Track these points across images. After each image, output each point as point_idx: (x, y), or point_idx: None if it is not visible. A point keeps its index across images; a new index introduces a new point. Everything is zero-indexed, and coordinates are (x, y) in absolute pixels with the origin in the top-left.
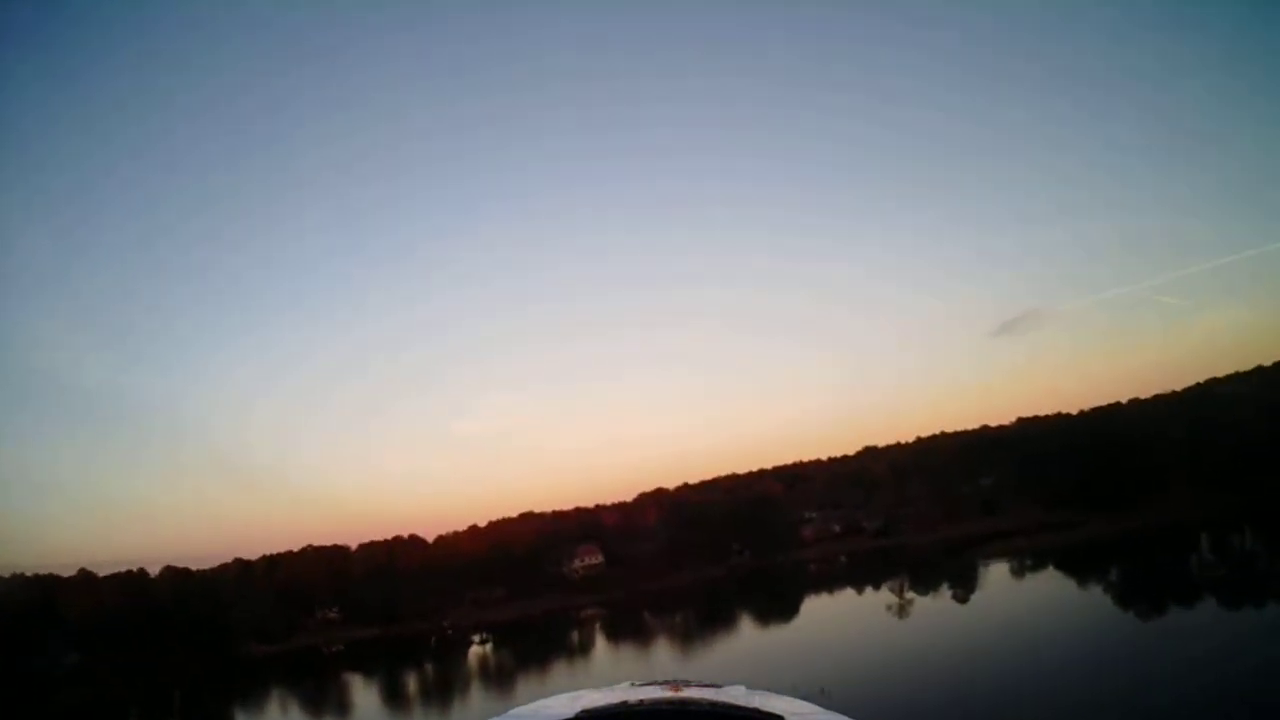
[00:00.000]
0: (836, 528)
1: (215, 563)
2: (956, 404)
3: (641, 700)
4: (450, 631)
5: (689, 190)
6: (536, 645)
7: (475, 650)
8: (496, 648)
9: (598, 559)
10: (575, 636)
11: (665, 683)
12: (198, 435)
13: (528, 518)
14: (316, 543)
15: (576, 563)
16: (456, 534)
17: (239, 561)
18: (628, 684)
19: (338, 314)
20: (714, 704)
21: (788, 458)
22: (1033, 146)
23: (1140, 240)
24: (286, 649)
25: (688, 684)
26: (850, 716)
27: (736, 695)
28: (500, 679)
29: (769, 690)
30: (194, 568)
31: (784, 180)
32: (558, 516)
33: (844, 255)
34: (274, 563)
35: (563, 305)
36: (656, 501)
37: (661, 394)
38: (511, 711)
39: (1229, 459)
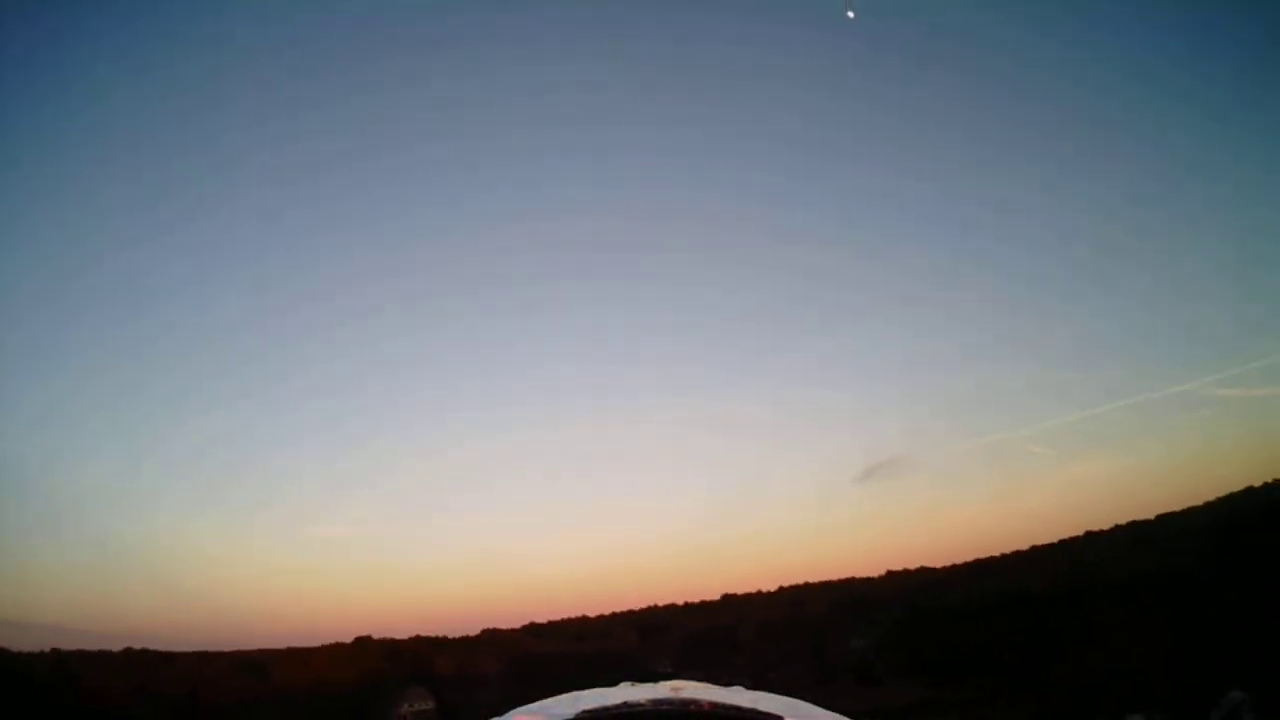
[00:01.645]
0: None
1: None
2: (821, 551)
3: (642, 700)
4: None
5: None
6: None
7: None
8: None
9: (429, 705)
10: None
11: (666, 683)
12: None
13: (363, 646)
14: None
15: (405, 707)
16: (299, 652)
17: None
18: (628, 684)
19: None
20: (714, 704)
21: (644, 600)
22: (893, 300)
23: (1011, 389)
24: None
25: (688, 685)
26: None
27: (737, 695)
28: None
29: (769, 691)
30: None
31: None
32: (394, 648)
33: (708, 388)
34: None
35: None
36: (496, 643)
37: (515, 517)
38: (512, 712)
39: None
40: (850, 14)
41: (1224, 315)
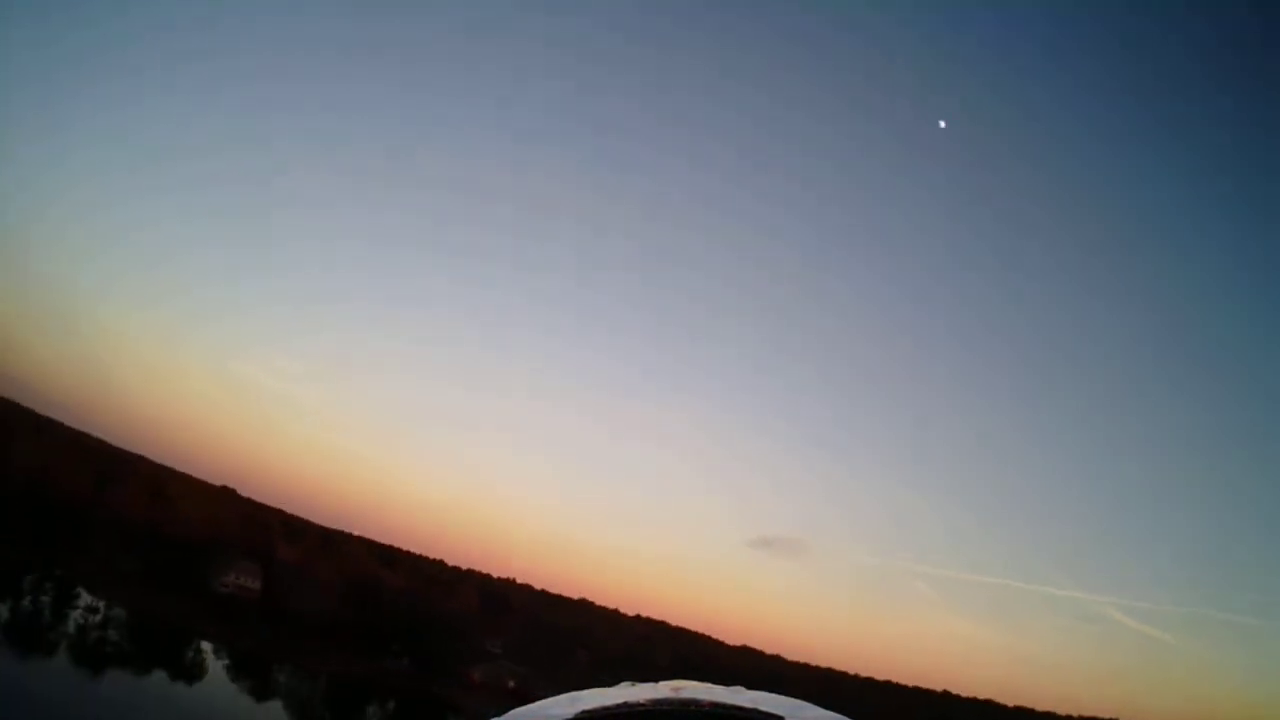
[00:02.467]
0: (511, 683)
1: None
2: (689, 596)
3: (642, 700)
4: None
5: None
6: None
7: None
8: None
9: (254, 585)
10: None
11: (666, 683)
12: None
13: (225, 496)
14: None
15: (231, 578)
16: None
17: None
18: (628, 684)
19: None
20: (715, 704)
21: (501, 570)
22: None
23: (923, 520)
24: None
25: (688, 684)
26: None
27: (737, 695)
28: None
29: (770, 691)
30: None
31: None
32: (251, 512)
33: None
34: None
35: None
36: (344, 553)
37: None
38: (512, 712)
39: None
40: (942, 123)
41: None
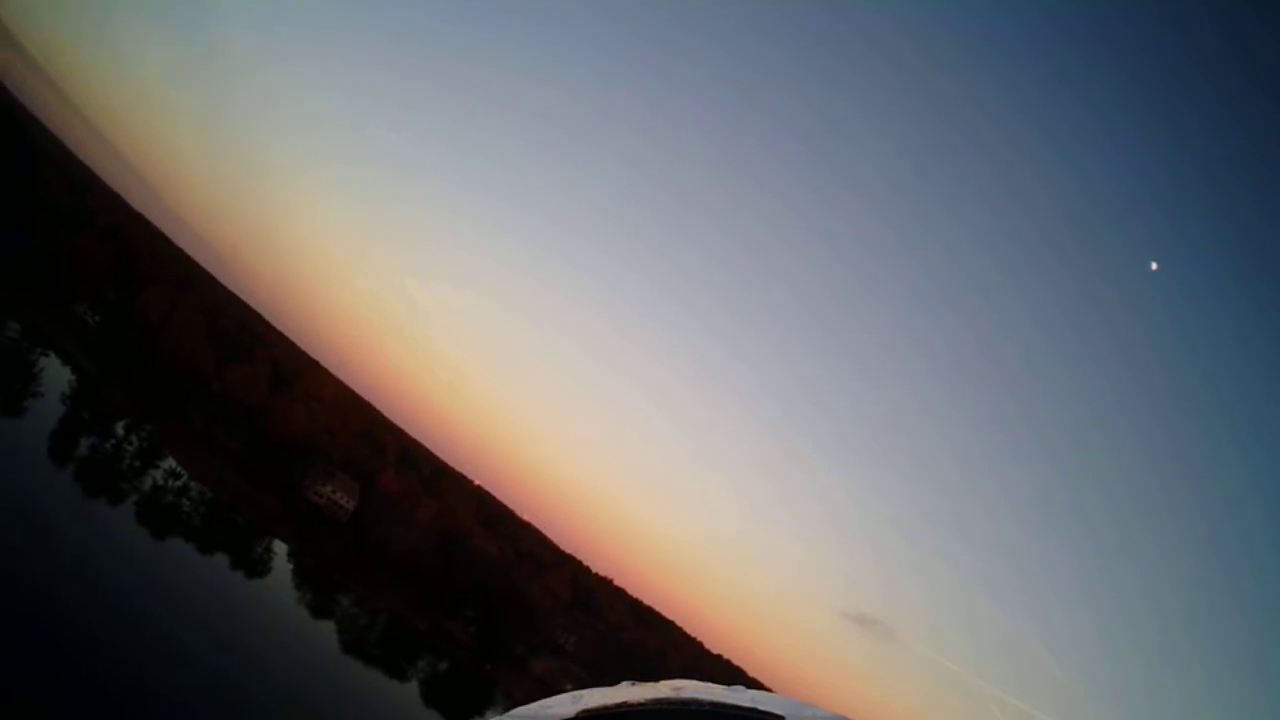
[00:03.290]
0: (569, 686)
1: None
2: (768, 644)
3: (642, 700)
4: None
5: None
6: None
7: None
8: None
9: (347, 504)
10: None
11: (666, 682)
12: None
13: (355, 404)
14: None
15: (326, 489)
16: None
17: None
18: (628, 683)
19: None
20: (715, 704)
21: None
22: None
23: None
24: None
25: (688, 684)
26: (851, 718)
27: (738, 695)
28: None
29: (771, 691)
30: None
31: None
32: (376, 430)
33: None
34: None
35: None
36: (449, 497)
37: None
38: (512, 712)
39: None
40: (1154, 265)
41: None
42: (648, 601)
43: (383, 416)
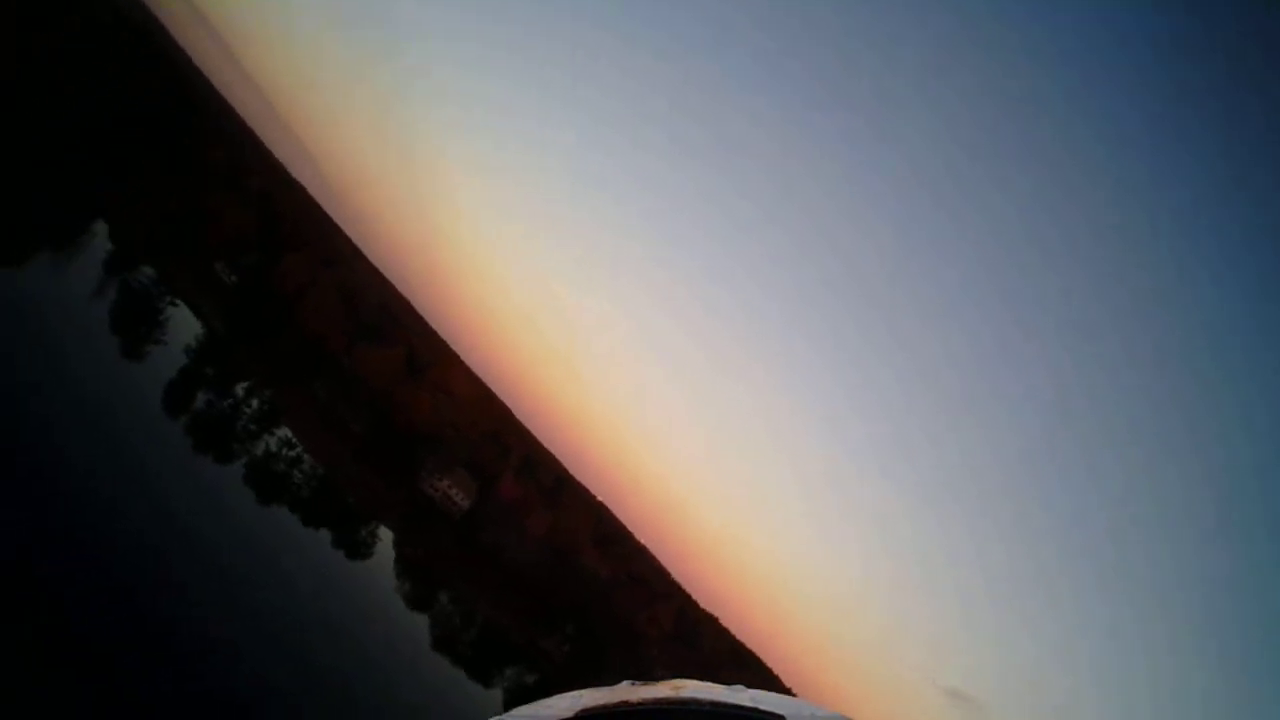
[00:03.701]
0: None
1: None
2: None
3: (643, 700)
4: None
5: None
6: None
7: None
8: None
9: (462, 501)
10: None
11: (666, 682)
12: None
13: (485, 397)
14: None
15: (443, 483)
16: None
17: None
18: (628, 683)
19: None
20: (715, 704)
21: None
22: None
23: None
24: None
25: (688, 684)
26: (852, 717)
27: (738, 695)
28: None
29: (771, 691)
30: None
31: None
32: (501, 426)
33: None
34: None
35: None
36: (568, 509)
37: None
38: (511, 712)
39: None
40: None
41: None
42: (750, 645)
43: (513, 418)
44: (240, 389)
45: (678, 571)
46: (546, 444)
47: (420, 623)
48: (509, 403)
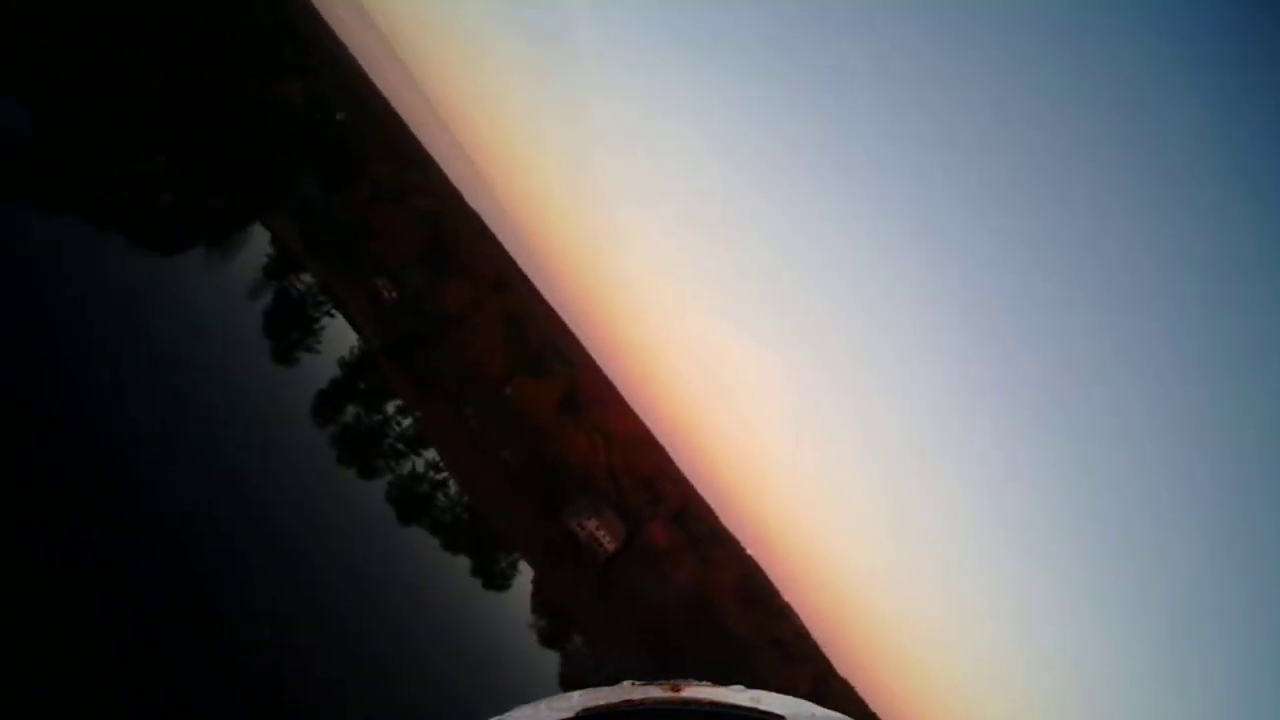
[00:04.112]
0: None
1: None
2: None
3: (642, 699)
4: None
5: None
6: None
7: None
8: None
9: (610, 544)
10: None
11: (665, 682)
12: None
13: (644, 444)
14: None
15: (591, 523)
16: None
17: None
18: (628, 683)
19: None
20: (715, 703)
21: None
22: None
23: None
24: None
25: (688, 683)
26: (851, 717)
27: (738, 695)
28: None
29: (770, 690)
30: None
31: None
32: (658, 472)
33: None
34: None
35: None
36: (717, 567)
37: None
38: (511, 712)
39: None
40: None
41: None
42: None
43: (672, 465)
44: (391, 406)
45: (818, 630)
46: (703, 491)
47: (550, 660)
48: (668, 447)
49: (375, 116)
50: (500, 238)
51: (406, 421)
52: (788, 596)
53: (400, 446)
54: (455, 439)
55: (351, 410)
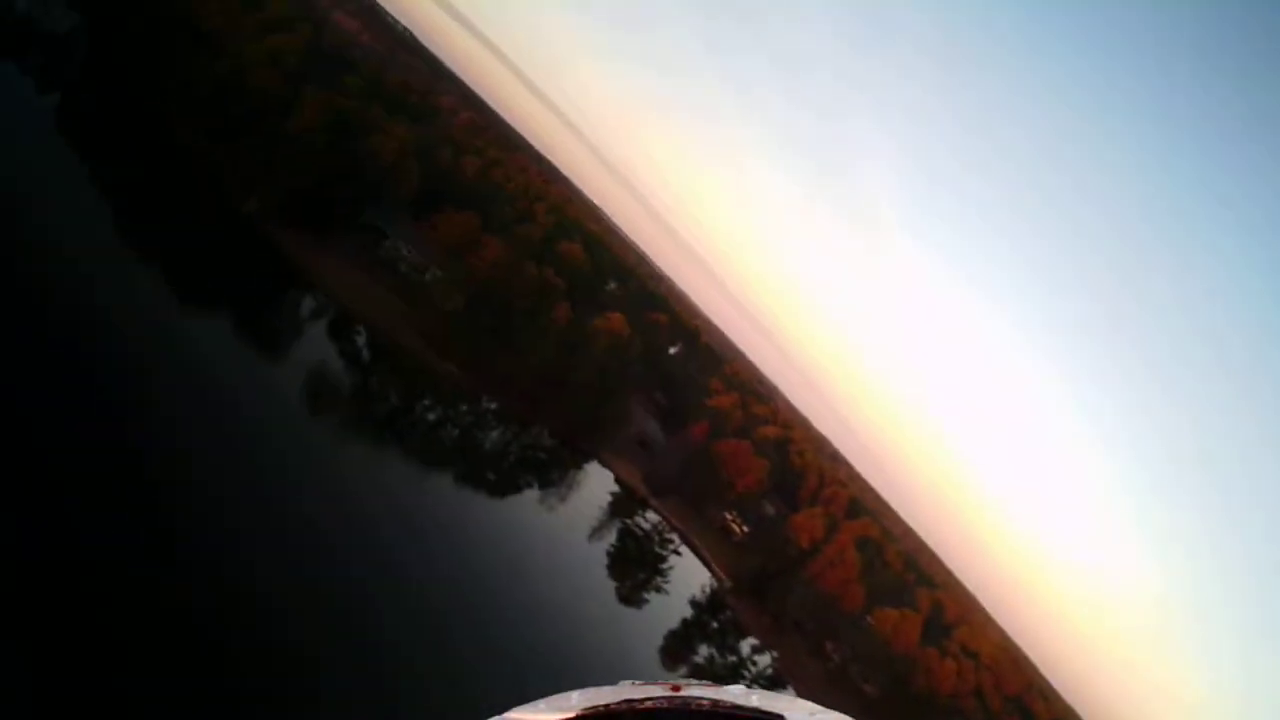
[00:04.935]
0: None
1: None
2: None
3: (642, 700)
4: None
5: None
6: None
7: None
8: None
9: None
10: None
11: (665, 682)
12: None
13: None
14: None
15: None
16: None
17: None
18: (628, 683)
19: None
20: (715, 703)
21: None
22: None
23: None
24: None
25: (688, 683)
26: (851, 717)
27: (737, 695)
28: None
29: (770, 690)
30: None
31: None
32: (1027, 687)
33: None
34: None
35: None
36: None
37: None
38: (510, 712)
39: None
40: None
41: None
42: None
43: (1040, 678)
44: (746, 645)
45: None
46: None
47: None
48: (1038, 661)
49: (707, 347)
50: (850, 459)
51: (764, 660)
52: None
53: (758, 685)
54: (814, 675)
55: (704, 650)
